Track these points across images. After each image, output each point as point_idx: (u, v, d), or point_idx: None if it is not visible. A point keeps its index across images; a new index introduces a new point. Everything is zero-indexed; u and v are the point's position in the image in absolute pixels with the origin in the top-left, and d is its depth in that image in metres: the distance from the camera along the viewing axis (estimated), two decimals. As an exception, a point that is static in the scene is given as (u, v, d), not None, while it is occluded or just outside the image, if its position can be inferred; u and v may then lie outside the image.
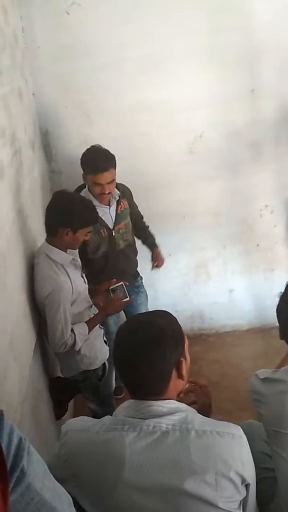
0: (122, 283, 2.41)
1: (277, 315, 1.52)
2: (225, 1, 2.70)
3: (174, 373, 1.19)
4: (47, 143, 2.94)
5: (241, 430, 1.18)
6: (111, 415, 1.25)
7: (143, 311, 2.96)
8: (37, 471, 0.64)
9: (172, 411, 1.15)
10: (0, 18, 2.04)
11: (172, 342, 1.18)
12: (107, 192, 2.50)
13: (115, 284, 2.41)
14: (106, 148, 2.50)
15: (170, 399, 1.18)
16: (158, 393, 1.17)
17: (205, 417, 1.20)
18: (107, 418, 1.22)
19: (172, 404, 1.17)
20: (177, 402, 1.19)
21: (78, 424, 1.24)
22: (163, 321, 1.22)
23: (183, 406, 1.19)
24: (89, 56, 2.73)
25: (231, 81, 2.88)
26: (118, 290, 2.39)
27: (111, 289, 2.40)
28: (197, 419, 1.16)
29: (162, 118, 2.92)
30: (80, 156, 2.53)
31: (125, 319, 3.01)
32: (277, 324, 1.52)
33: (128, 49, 2.75)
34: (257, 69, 2.87)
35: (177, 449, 1.10)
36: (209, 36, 2.76)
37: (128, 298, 2.38)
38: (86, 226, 2.11)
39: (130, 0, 2.65)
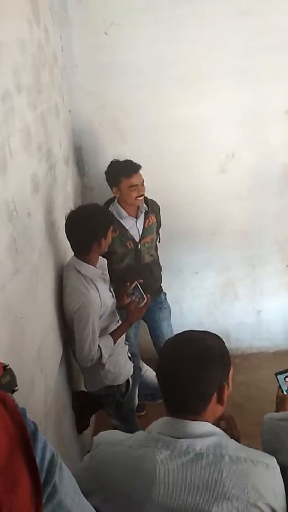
0: (136, 283, 2.39)
1: None
2: (262, 22, 2.72)
3: (215, 396, 1.18)
4: (80, 159, 3.00)
5: (275, 460, 1.15)
6: (133, 431, 1.24)
7: (166, 327, 2.96)
8: (68, 488, 0.64)
9: (207, 433, 1.14)
10: (42, 38, 2.11)
11: (220, 363, 1.18)
12: (142, 194, 2.58)
13: (131, 286, 2.39)
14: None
15: (207, 422, 1.17)
16: (196, 413, 1.16)
17: (239, 444, 1.18)
18: (140, 433, 1.21)
19: (208, 426, 1.16)
20: (213, 425, 1.18)
21: (111, 437, 1.24)
22: (214, 342, 1.22)
23: (218, 430, 1.17)
24: (125, 75, 2.79)
25: (265, 101, 2.88)
26: (134, 294, 2.38)
27: (128, 293, 2.39)
28: (231, 445, 1.14)
29: (195, 136, 2.94)
30: (105, 172, 2.60)
31: (147, 333, 3.00)
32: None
33: (164, 68, 2.79)
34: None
35: (210, 473, 1.08)
36: (245, 56, 2.78)
37: (145, 300, 2.35)
38: (110, 226, 2.14)
39: (168, 20, 2.70)
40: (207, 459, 1.09)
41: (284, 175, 3.08)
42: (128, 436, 1.21)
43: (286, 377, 1.66)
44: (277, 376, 1.66)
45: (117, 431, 1.32)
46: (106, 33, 2.73)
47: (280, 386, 1.64)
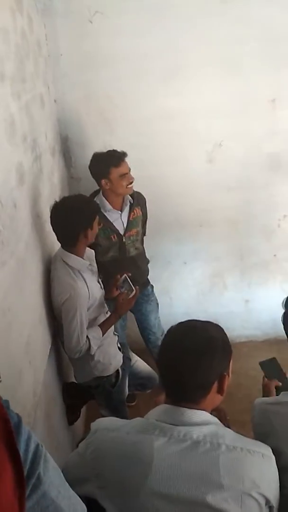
0: (125, 275, 2.40)
1: (284, 325, 1.50)
2: (248, 12, 2.70)
3: (215, 386, 1.18)
4: (66, 149, 2.97)
5: (271, 450, 1.16)
6: None
7: (153, 319, 2.97)
8: (53, 479, 0.64)
9: (204, 422, 1.15)
10: (25, 26, 2.08)
11: (222, 353, 1.19)
12: (132, 181, 2.56)
13: (120, 279, 2.39)
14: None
15: (204, 411, 1.18)
16: (195, 401, 1.17)
17: (236, 433, 1.19)
18: (138, 420, 1.22)
19: (205, 416, 1.17)
20: (210, 415, 1.19)
21: (108, 424, 1.24)
22: (217, 332, 1.22)
23: (214, 419, 1.19)
24: (111, 65, 2.75)
25: (252, 90, 2.88)
26: (123, 286, 2.38)
27: (118, 285, 2.39)
28: (228, 434, 1.15)
29: (182, 127, 2.93)
30: (89, 167, 2.58)
31: (135, 325, 3.01)
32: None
33: (150, 58, 2.76)
34: (279, 79, 2.86)
35: (206, 461, 1.09)
36: (231, 45, 2.76)
37: (134, 292, 2.35)
38: (96, 215, 2.12)
39: (153, 9, 2.66)
40: (204, 448, 1.10)
41: (271, 164, 3.09)
42: (126, 423, 1.22)
43: (270, 364, 1.68)
44: (261, 365, 1.68)
45: (115, 417, 1.32)
46: (91, 22, 2.69)
47: (265, 375, 1.66)
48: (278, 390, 1.62)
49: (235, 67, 2.82)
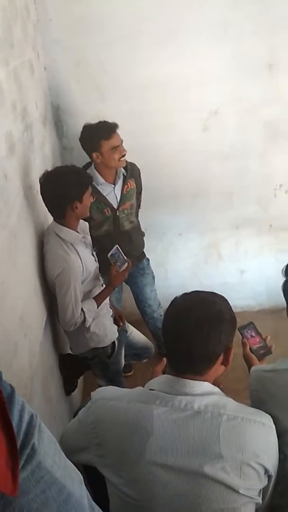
0: (116, 246, 2.37)
1: (284, 293, 1.49)
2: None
3: (221, 358, 1.19)
4: (58, 119, 2.89)
5: (271, 419, 1.17)
6: None
7: (149, 292, 2.97)
8: (47, 449, 0.63)
9: (206, 392, 1.15)
10: (12, -12, 1.99)
11: (229, 326, 1.19)
12: (125, 154, 2.48)
13: (111, 251, 2.36)
14: (119, 124, 2.46)
15: (207, 382, 1.18)
16: (200, 373, 1.17)
17: (238, 403, 1.19)
18: (139, 389, 1.22)
19: (207, 386, 1.17)
20: (212, 385, 1.19)
21: (109, 393, 1.25)
22: (225, 304, 1.22)
23: (217, 389, 1.19)
24: (102, 29, 2.66)
25: (248, 55, 2.79)
26: (115, 256, 2.36)
27: (109, 256, 2.36)
28: (230, 404, 1.16)
29: (176, 94, 2.85)
30: (80, 139, 2.51)
31: (131, 296, 3.01)
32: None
33: (142, 23, 2.66)
34: (275, 43, 2.77)
35: (206, 431, 1.10)
36: (225, 8, 2.66)
37: (126, 264, 2.34)
38: (86, 189, 2.05)
39: None
40: (205, 417, 1.11)
41: (268, 133, 3.03)
42: (126, 392, 1.22)
43: (249, 330, 1.68)
44: (241, 331, 1.67)
45: (116, 387, 1.32)
46: (81, -16, 2.59)
47: (243, 338, 1.66)
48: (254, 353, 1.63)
49: (230, 31, 2.72)
